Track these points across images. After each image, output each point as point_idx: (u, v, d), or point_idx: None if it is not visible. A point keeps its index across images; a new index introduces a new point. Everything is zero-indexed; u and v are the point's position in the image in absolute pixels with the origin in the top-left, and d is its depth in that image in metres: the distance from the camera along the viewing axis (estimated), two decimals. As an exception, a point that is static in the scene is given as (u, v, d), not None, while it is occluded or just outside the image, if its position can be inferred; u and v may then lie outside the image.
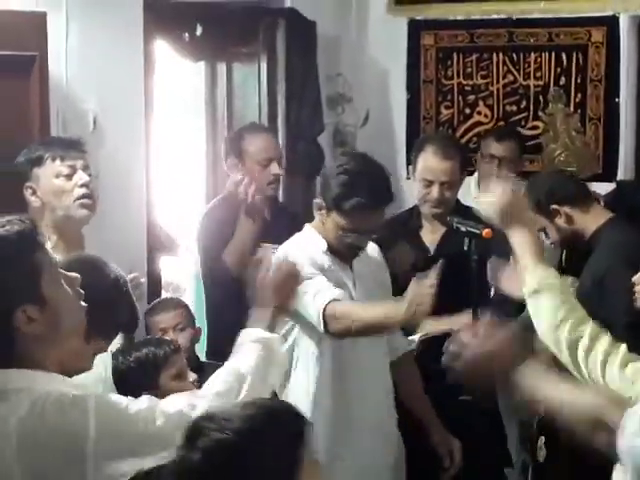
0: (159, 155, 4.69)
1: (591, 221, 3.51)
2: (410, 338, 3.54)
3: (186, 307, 3.91)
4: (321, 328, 3.06)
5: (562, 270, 3.82)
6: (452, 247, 3.65)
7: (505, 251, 3.11)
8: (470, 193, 4.60)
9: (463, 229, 3.42)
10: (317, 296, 3.05)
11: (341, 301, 3.07)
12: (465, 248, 3.41)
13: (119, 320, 2.44)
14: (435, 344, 3.51)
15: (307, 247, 3.22)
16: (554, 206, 3.49)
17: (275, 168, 4.05)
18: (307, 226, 3.32)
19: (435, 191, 3.78)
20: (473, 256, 3.33)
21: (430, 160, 3.80)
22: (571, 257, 3.71)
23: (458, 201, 3.95)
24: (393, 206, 5.18)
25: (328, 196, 3.18)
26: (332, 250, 3.23)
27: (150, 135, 4.47)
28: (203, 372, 3.64)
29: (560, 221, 3.50)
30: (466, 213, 3.72)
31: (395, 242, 3.76)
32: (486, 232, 3.27)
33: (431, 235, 3.88)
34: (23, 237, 1.89)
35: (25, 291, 1.88)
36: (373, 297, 3.26)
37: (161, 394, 2.26)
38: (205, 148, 5.19)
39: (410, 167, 4.28)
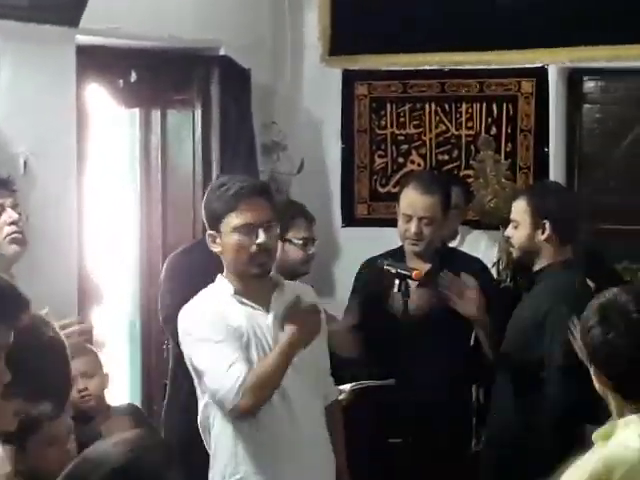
0: (91, 201, 4.67)
1: (553, 254, 3.56)
2: (341, 387, 3.54)
3: (92, 353, 3.85)
4: (230, 405, 3.00)
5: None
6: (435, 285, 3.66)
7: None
8: None
9: (393, 271, 3.44)
10: (231, 369, 3.00)
11: (252, 369, 3.02)
12: (396, 290, 3.44)
13: (47, 386, 2.33)
14: (367, 394, 3.57)
15: (212, 300, 3.15)
16: (546, 220, 3.53)
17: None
18: (218, 276, 3.23)
19: (413, 226, 3.74)
20: (404, 297, 3.36)
21: (410, 195, 3.79)
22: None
23: (444, 243, 3.96)
24: (330, 254, 5.29)
25: (213, 213, 3.11)
26: (243, 290, 3.15)
27: (82, 181, 4.45)
28: (114, 416, 3.64)
29: (535, 234, 3.54)
30: (451, 256, 3.75)
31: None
32: (416, 274, 3.31)
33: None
34: None
35: None
36: None
37: (32, 460, 2.15)
38: (139, 195, 5.17)
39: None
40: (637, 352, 2.15)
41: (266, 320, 3.14)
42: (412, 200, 3.76)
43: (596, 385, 2.27)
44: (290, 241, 3.95)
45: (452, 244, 4.78)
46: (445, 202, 3.82)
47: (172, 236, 5.09)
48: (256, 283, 3.16)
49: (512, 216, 3.68)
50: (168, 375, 4.28)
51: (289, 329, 3.04)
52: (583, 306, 3.33)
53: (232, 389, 2.99)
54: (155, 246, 5.17)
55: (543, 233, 3.58)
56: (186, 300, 3.21)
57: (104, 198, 5.01)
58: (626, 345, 2.15)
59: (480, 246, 4.69)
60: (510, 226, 3.68)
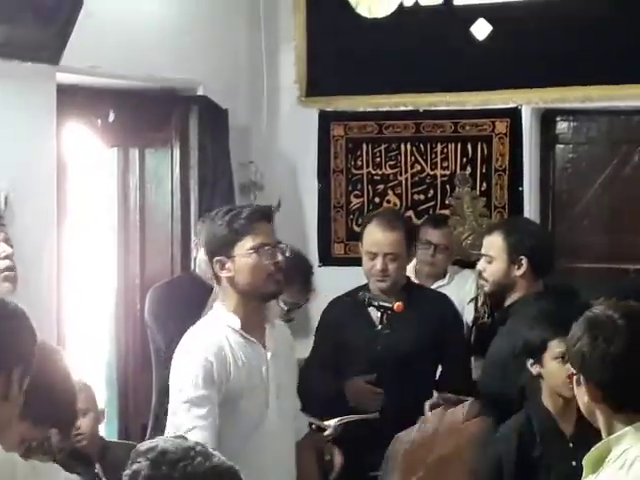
0: (70, 239, 4.67)
1: (526, 288, 3.61)
2: (326, 423, 3.54)
3: (86, 390, 3.82)
4: None
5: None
6: (401, 321, 3.67)
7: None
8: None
9: (375, 303, 3.47)
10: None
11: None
12: (377, 323, 3.47)
13: (55, 413, 2.30)
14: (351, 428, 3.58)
15: (212, 338, 3.13)
16: (523, 257, 3.57)
17: None
18: (216, 304, 3.23)
19: (379, 263, 3.78)
20: (385, 330, 3.38)
21: (374, 232, 3.83)
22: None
23: (409, 279, 3.98)
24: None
25: (225, 238, 3.14)
26: (244, 322, 3.16)
27: (61, 218, 4.45)
28: (109, 452, 3.60)
29: (510, 269, 3.57)
30: (416, 291, 3.79)
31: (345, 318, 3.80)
32: (397, 306, 3.33)
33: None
34: None
35: None
36: (282, 380, 3.21)
37: None
38: (117, 234, 5.18)
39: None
40: (626, 356, 2.18)
41: (264, 357, 3.17)
42: (376, 238, 3.81)
43: (582, 403, 2.29)
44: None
45: (440, 283, 4.85)
46: (408, 238, 3.88)
47: (150, 275, 5.08)
48: (255, 314, 3.18)
49: (485, 250, 3.72)
50: (150, 415, 4.26)
51: None
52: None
53: None
54: (132, 286, 5.17)
55: (519, 268, 3.62)
56: (179, 328, 3.22)
57: (82, 237, 5.01)
58: (615, 349, 2.18)
59: (466, 286, 4.73)
60: (482, 260, 3.72)
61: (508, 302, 3.66)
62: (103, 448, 3.64)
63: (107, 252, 5.20)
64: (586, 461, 2.25)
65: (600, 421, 2.26)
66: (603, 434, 2.25)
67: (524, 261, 3.59)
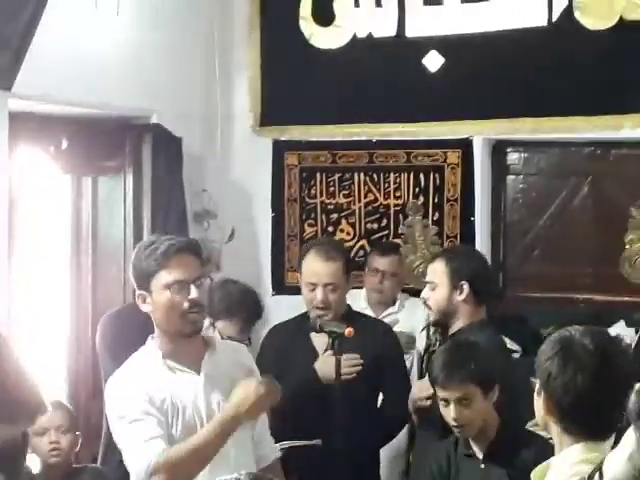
0: (21, 267, 4.64)
1: (469, 314, 3.64)
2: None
3: (70, 411, 3.82)
4: None
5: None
6: (344, 347, 3.64)
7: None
8: (360, 306, 4.72)
9: (327, 329, 3.48)
10: (147, 448, 2.96)
11: (171, 449, 2.97)
12: (328, 348, 3.49)
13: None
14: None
15: (138, 369, 3.12)
16: (464, 281, 3.60)
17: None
18: (151, 336, 3.20)
19: (319, 293, 3.79)
20: (337, 355, 3.40)
21: (313, 263, 3.84)
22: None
23: (350, 307, 4.00)
24: (260, 322, 5.30)
25: (143, 272, 3.08)
26: (173, 351, 3.12)
27: (12, 246, 4.43)
28: (75, 478, 3.60)
29: (453, 294, 3.61)
30: (356, 319, 3.81)
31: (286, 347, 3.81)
32: (348, 331, 3.35)
33: (321, 338, 3.80)
34: None
35: None
36: (224, 400, 3.14)
37: None
38: (69, 262, 5.15)
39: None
40: (590, 390, 2.21)
41: (196, 384, 3.11)
42: (315, 268, 3.82)
43: (539, 414, 2.32)
44: (221, 335, 3.92)
45: (390, 310, 4.88)
46: (347, 266, 3.88)
47: (102, 303, 5.06)
48: (187, 343, 3.13)
49: (429, 278, 3.76)
50: (101, 442, 4.23)
51: (236, 399, 3.00)
52: (502, 364, 3.48)
53: (141, 471, 2.96)
54: (84, 313, 5.14)
55: (461, 294, 3.66)
56: (129, 356, 3.19)
57: (34, 263, 4.98)
58: (581, 381, 2.21)
59: (417, 313, 4.76)
60: (427, 288, 3.76)
61: (452, 330, 3.69)
62: (70, 472, 3.64)
63: (59, 279, 5.17)
64: (533, 475, 2.30)
65: (552, 434, 2.31)
66: (555, 448, 2.30)
67: (465, 286, 3.64)
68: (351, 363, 3.69)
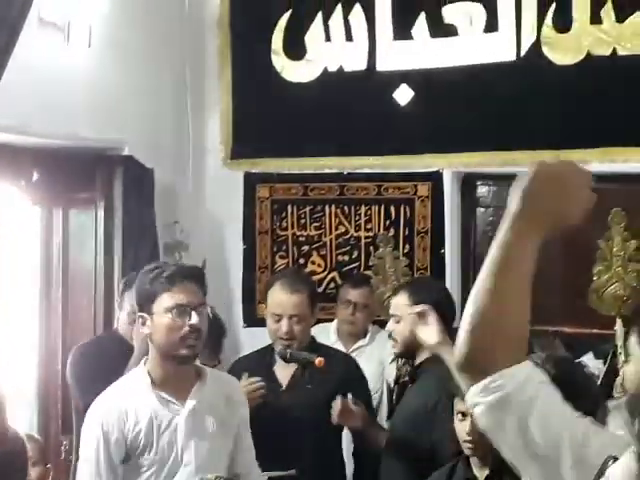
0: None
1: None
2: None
3: (40, 443, 3.80)
4: None
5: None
6: (304, 382, 3.71)
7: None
8: (329, 338, 4.72)
9: (297, 358, 3.49)
10: None
11: None
12: (300, 376, 3.50)
13: None
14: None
15: (118, 397, 3.19)
16: (427, 307, 3.62)
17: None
18: (143, 360, 3.28)
19: (284, 325, 3.79)
20: (307, 385, 3.40)
21: (278, 294, 3.84)
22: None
23: (314, 339, 4.00)
24: (231, 354, 5.31)
25: (146, 294, 3.18)
26: (163, 379, 3.19)
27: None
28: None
29: (419, 323, 3.62)
30: (319, 350, 3.81)
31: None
32: (319, 361, 3.37)
33: (284, 370, 3.85)
34: None
35: None
36: (206, 437, 3.21)
37: None
38: (39, 292, 5.14)
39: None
40: None
41: (178, 417, 3.17)
42: (280, 299, 3.82)
43: None
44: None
45: (361, 343, 4.89)
46: (312, 298, 3.89)
47: (72, 335, 5.05)
48: (179, 370, 3.20)
49: (392, 311, 3.78)
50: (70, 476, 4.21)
51: None
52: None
53: None
54: (54, 345, 5.12)
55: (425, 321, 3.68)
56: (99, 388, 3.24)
57: (4, 295, 4.96)
58: None
59: (387, 345, 4.77)
60: (391, 321, 3.77)
61: (418, 360, 3.71)
62: None
63: (29, 311, 5.15)
64: None
65: None
66: None
67: (431, 315, 3.65)
68: (253, 387, 3.69)
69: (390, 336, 3.80)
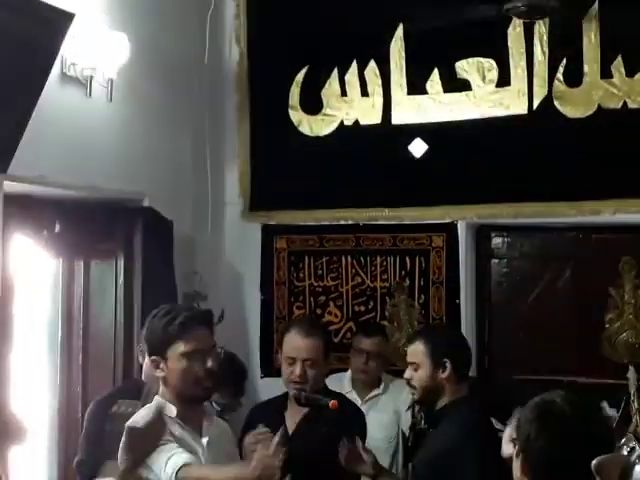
0: (13, 349, 4.69)
1: (453, 391, 3.71)
2: None
3: None
4: None
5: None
6: (311, 427, 3.74)
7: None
8: (343, 388, 4.77)
9: (311, 401, 3.54)
10: (169, 461, 3.09)
11: (192, 465, 3.11)
12: (309, 421, 3.54)
13: None
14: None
15: (158, 416, 3.25)
16: (447, 359, 3.67)
17: None
18: (156, 397, 3.34)
19: (298, 368, 3.82)
20: (323, 428, 3.45)
21: (293, 339, 3.89)
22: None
23: (326, 386, 4.01)
24: (249, 404, 5.35)
25: (159, 340, 3.24)
26: (182, 414, 3.26)
27: (5, 329, 4.48)
28: None
29: (436, 373, 3.66)
30: (333, 396, 3.85)
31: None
32: (332, 403, 3.42)
33: (293, 417, 3.86)
34: None
35: None
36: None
37: None
38: (59, 343, 5.21)
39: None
40: (563, 456, 2.27)
41: (201, 443, 3.24)
42: (295, 343, 3.86)
43: (515, 476, 2.38)
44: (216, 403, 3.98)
45: (375, 392, 4.93)
46: (326, 345, 3.92)
47: (92, 385, 5.11)
48: (192, 409, 3.27)
49: (410, 359, 3.83)
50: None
51: (257, 465, 3.10)
52: (489, 442, 3.52)
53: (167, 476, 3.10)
54: (74, 396, 5.18)
55: (444, 372, 3.73)
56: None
57: (26, 347, 5.03)
58: (556, 447, 2.27)
59: (402, 394, 4.81)
60: (409, 369, 3.82)
61: (438, 406, 3.75)
62: None
63: (49, 362, 5.22)
64: None
65: None
66: None
67: (448, 364, 3.71)
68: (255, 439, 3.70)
69: (408, 383, 3.84)
